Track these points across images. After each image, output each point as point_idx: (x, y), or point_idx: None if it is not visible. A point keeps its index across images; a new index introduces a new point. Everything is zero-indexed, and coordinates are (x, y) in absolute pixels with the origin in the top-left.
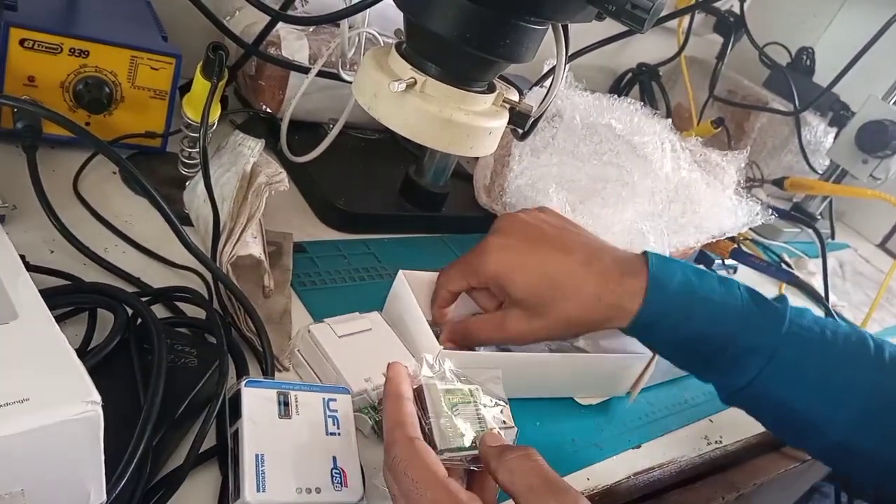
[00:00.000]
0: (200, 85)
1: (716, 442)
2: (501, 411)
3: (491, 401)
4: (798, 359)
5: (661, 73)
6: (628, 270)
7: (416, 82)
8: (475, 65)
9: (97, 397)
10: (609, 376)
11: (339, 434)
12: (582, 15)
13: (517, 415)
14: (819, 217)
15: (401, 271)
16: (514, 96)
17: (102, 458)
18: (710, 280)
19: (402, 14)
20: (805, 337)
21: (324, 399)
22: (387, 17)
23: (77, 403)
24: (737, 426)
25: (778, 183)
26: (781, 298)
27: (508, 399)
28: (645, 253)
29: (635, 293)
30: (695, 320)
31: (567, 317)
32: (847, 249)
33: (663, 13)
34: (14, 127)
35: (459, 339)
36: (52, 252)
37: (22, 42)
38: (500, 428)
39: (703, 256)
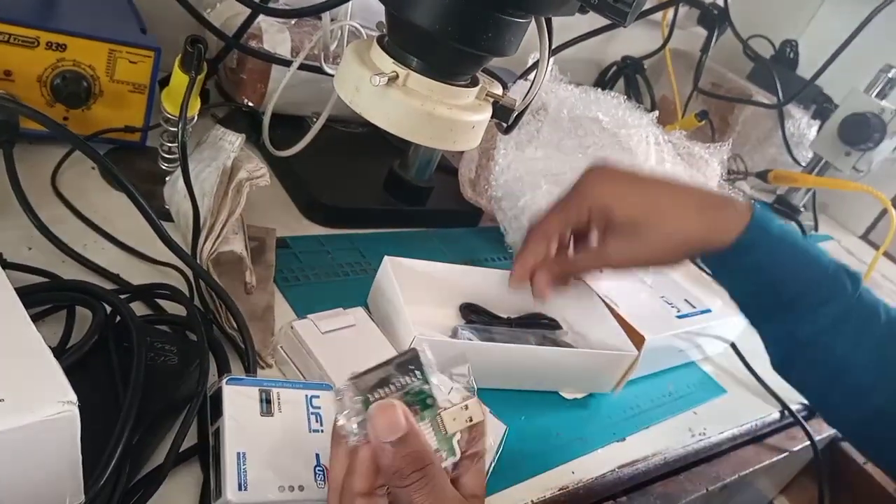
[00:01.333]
0: (179, 78)
1: (700, 434)
2: (467, 407)
3: (450, 401)
4: (865, 324)
5: (645, 66)
6: (730, 201)
7: (398, 76)
8: (458, 58)
9: (73, 397)
10: (594, 372)
11: (322, 431)
12: (565, 8)
13: (502, 409)
14: (802, 209)
15: (386, 257)
16: (498, 90)
17: (80, 458)
18: (803, 237)
19: (384, 6)
20: (874, 307)
21: (306, 396)
22: (369, 9)
23: (53, 404)
24: (721, 418)
25: (762, 176)
26: (857, 271)
27: (494, 390)
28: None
29: (737, 220)
30: (788, 258)
31: (670, 232)
32: (830, 241)
33: (647, 6)
34: None
35: (559, 272)
36: (29, 249)
37: None
38: (462, 430)
39: None
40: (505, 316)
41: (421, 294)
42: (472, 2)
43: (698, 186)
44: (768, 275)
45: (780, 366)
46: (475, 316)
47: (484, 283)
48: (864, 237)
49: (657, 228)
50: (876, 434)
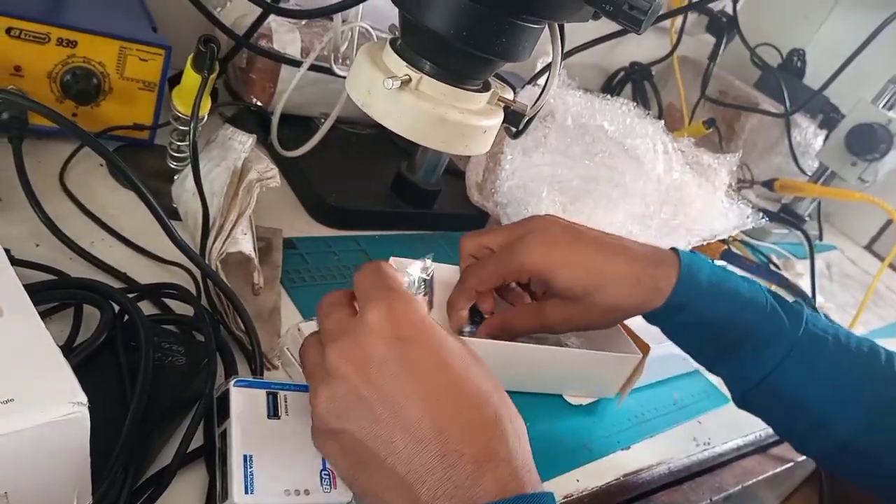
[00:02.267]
0: (191, 78)
1: (704, 443)
2: None
3: None
4: (813, 357)
5: (653, 73)
6: (661, 258)
7: (410, 79)
8: (471, 63)
9: (84, 398)
10: (597, 374)
11: None
12: (579, 14)
13: None
14: (807, 218)
15: (392, 258)
16: (509, 95)
17: (89, 459)
18: (735, 277)
19: (395, 9)
20: (821, 337)
21: None
22: (380, 11)
23: (63, 404)
24: (725, 428)
25: (768, 184)
26: (798, 302)
27: None
28: (673, 248)
29: (669, 276)
30: (722, 307)
31: (608, 303)
32: (834, 251)
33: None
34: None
35: (498, 332)
36: (37, 245)
37: (8, 31)
38: None
39: None
40: None
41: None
42: (488, 7)
43: (632, 244)
44: (705, 326)
45: (740, 404)
46: (478, 317)
47: None
48: (868, 247)
49: (595, 300)
50: (846, 465)
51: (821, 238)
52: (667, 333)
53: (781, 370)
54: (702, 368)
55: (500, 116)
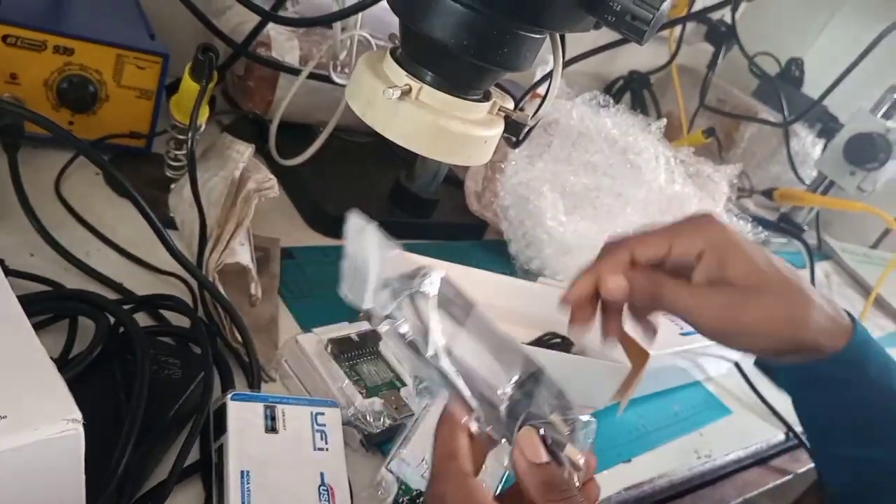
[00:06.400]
0: (188, 86)
1: (705, 456)
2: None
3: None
4: None
5: (652, 81)
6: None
7: (411, 89)
8: (472, 72)
9: (78, 415)
10: (583, 382)
11: (327, 449)
12: (581, 25)
13: None
14: (805, 228)
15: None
16: (510, 104)
17: (84, 478)
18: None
19: (395, 18)
20: None
21: (312, 413)
22: (380, 19)
23: (57, 421)
24: (726, 439)
25: (767, 194)
26: None
27: None
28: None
29: (846, 329)
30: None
31: (782, 308)
32: (831, 261)
33: None
34: None
35: (643, 290)
36: (32, 255)
37: (4, 38)
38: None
39: None
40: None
41: None
42: (490, 17)
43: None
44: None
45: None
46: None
47: (494, 289)
48: None
49: (768, 298)
50: None
51: (819, 247)
52: (804, 391)
53: None
54: (701, 379)
55: (501, 126)
